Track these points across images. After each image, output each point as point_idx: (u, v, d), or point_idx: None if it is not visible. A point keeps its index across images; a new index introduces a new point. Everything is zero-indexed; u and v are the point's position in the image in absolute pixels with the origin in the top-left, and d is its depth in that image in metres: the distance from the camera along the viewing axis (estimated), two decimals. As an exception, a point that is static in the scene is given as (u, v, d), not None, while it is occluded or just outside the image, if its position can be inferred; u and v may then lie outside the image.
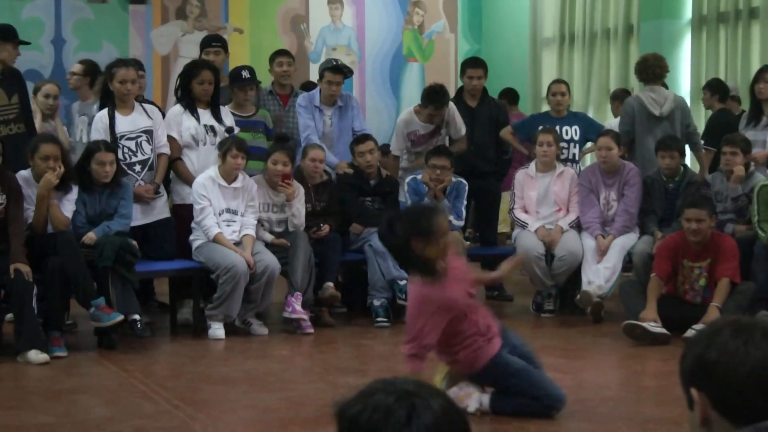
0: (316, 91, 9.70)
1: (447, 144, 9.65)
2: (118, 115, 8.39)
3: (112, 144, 8.18)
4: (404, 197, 9.13)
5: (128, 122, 8.42)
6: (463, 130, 9.63)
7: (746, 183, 8.79)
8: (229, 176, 8.39)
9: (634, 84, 13.52)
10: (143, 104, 8.69)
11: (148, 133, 8.48)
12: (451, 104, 9.68)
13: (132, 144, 8.39)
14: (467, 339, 5.68)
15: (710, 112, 11.56)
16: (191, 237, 8.42)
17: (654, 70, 9.77)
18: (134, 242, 7.97)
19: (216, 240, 8.27)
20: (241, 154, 8.36)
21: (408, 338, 5.55)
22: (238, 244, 8.33)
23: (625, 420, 5.76)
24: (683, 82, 12.96)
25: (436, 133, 9.57)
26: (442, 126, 9.55)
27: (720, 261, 8.07)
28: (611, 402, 6.26)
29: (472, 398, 5.77)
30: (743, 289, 8.06)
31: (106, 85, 8.49)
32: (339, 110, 9.57)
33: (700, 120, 12.44)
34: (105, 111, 8.41)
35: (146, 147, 8.46)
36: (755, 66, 11.46)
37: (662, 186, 9.13)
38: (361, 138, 9.35)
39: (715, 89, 11.49)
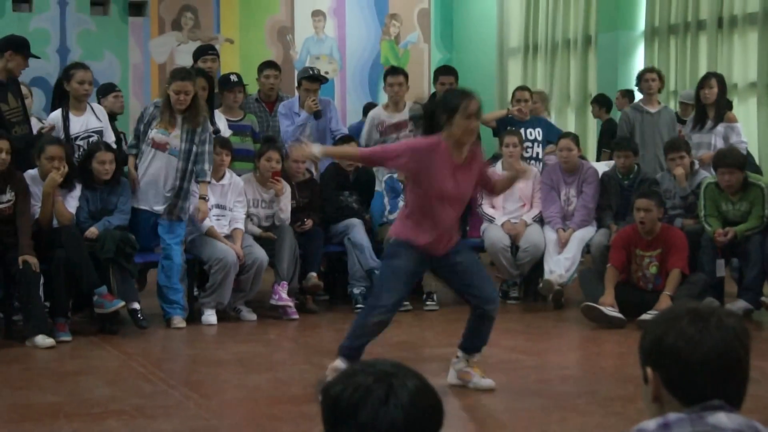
0: (295, 99, 9.68)
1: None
2: (71, 116, 8.26)
3: (67, 144, 8.00)
4: (382, 192, 9.15)
5: (81, 123, 8.28)
6: None
7: (692, 180, 8.83)
8: (216, 174, 8.35)
9: (592, 90, 13.60)
10: (92, 106, 8.53)
11: (99, 133, 8.32)
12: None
13: (85, 144, 8.23)
14: (413, 210, 5.70)
15: (599, 122, 12.74)
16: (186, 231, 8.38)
17: None
18: (132, 236, 7.93)
19: (208, 233, 8.25)
20: (224, 151, 8.36)
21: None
22: (228, 237, 8.32)
23: (584, 397, 5.77)
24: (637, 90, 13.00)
25: (402, 125, 9.55)
26: (407, 121, 9.52)
27: (671, 252, 8.11)
28: (571, 380, 6.28)
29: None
30: (695, 280, 8.10)
31: (60, 87, 8.36)
32: (315, 114, 9.53)
33: (592, 128, 13.49)
34: (59, 111, 8.26)
35: None
36: (702, 73, 11.53)
37: (618, 183, 9.16)
38: (346, 138, 9.34)
39: (601, 103, 12.52)
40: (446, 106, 5.61)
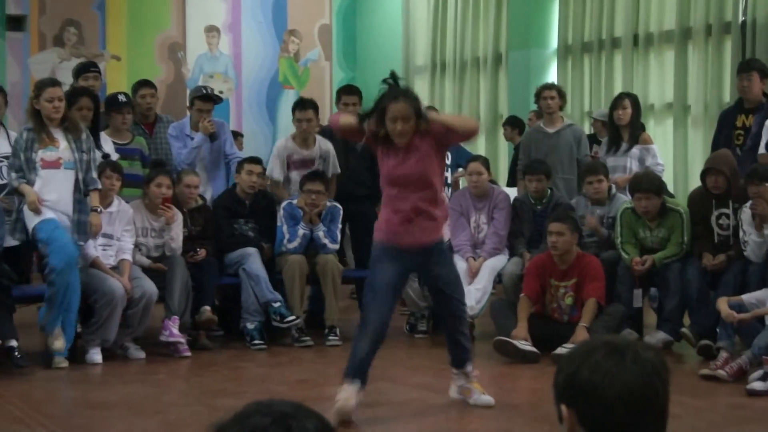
0: (186, 120, 9.62)
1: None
2: None
3: None
4: (280, 221, 9.09)
5: None
6: (336, 170, 9.55)
7: (609, 206, 8.92)
8: (104, 200, 8.23)
9: (503, 111, 13.74)
10: (8, 132, 8.42)
11: (8, 158, 8.16)
12: (329, 144, 9.47)
13: None
14: (383, 206, 6.24)
15: (510, 145, 12.84)
16: (68, 262, 8.24)
17: None
18: (6, 267, 7.75)
19: (93, 265, 8.12)
20: (115, 175, 8.25)
21: None
22: (114, 268, 8.21)
23: (497, 437, 5.79)
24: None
25: (310, 163, 9.41)
26: (316, 157, 9.40)
27: (586, 281, 8.16)
28: (484, 419, 6.28)
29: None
30: (612, 311, 8.15)
31: None
32: (210, 136, 9.46)
33: (503, 151, 13.48)
34: None
35: (5, 172, 8.18)
36: (617, 92, 11.73)
37: (530, 208, 9.23)
38: (255, 159, 9.29)
39: (514, 125, 12.52)
40: (378, 105, 6.13)
